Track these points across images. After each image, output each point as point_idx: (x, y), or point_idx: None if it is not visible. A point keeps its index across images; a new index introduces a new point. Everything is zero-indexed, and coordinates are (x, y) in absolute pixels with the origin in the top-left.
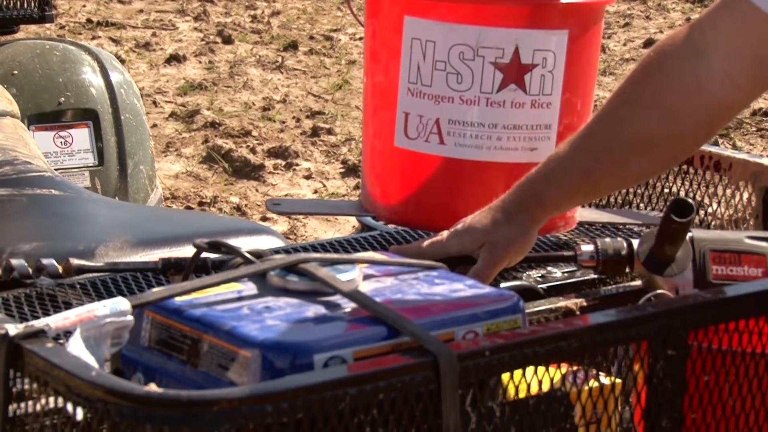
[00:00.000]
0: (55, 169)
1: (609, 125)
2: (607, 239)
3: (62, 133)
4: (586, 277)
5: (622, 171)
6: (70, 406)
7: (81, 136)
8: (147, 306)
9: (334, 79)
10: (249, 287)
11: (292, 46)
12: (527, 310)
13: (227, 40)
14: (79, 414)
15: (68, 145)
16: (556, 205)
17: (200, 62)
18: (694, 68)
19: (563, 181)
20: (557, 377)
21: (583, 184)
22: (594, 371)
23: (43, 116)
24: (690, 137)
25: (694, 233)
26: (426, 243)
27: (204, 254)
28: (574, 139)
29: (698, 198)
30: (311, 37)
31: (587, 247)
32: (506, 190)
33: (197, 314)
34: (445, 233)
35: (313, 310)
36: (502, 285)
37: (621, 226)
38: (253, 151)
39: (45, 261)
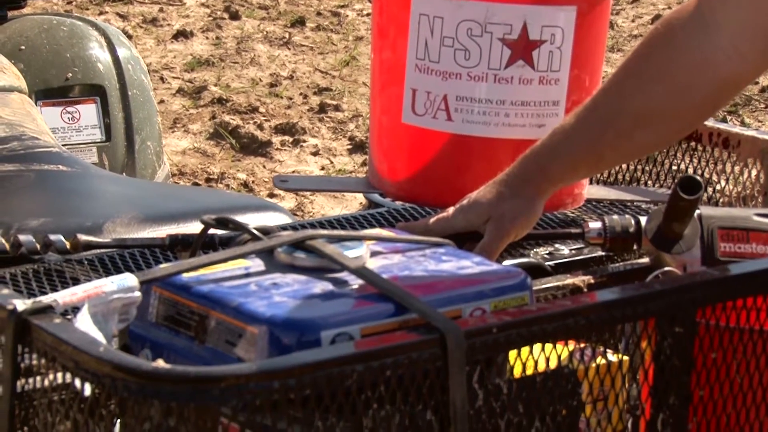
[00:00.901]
0: (63, 145)
1: (614, 98)
2: (615, 216)
3: (69, 109)
4: (593, 255)
5: (626, 144)
6: (78, 382)
7: (88, 112)
8: (154, 282)
9: (341, 56)
10: (256, 264)
11: (300, 22)
12: (534, 288)
13: (234, 16)
14: (87, 389)
15: (75, 120)
16: (561, 177)
17: (207, 38)
18: (701, 42)
19: (567, 153)
20: (564, 354)
21: (587, 156)
22: (601, 348)
23: (51, 92)
24: (695, 111)
25: (702, 210)
26: (432, 219)
27: (211, 231)
28: (579, 111)
29: (706, 175)
30: (318, 13)
31: (595, 225)
32: None
33: (205, 290)
34: (451, 209)
35: (321, 286)
36: (509, 262)
37: (629, 203)
38: (260, 127)
39: (53, 237)
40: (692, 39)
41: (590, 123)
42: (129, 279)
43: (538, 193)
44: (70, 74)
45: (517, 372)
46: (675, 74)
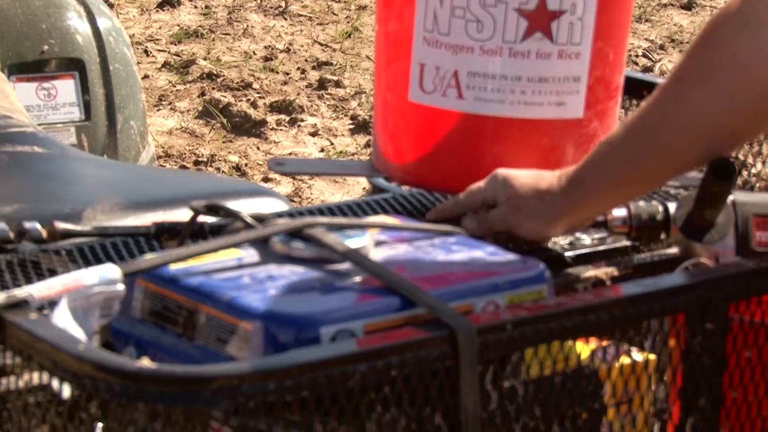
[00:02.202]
0: (38, 124)
1: (659, 105)
2: (641, 203)
3: (45, 85)
4: (617, 245)
5: (671, 155)
6: (56, 383)
7: (66, 88)
8: (139, 274)
9: (342, 27)
10: (250, 254)
11: None
12: (553, 280)
13: None
14: (66, 391)
15: (52, 97)
16: (600, 194)
17: (196, 7)
18: (744, 41)
19: (610, 166)
20: (585, 353)
21: (630, 170)
22: (626, 346)
23: (25, 66)
24: (743, 118)
25: (736, 196)
26: (463, 193)
27: (201, 218)
28: (627, 121)
29: (741, 157)
30: None
31: (619, 212)
32: (529, 149)
33: (194, 283)
34: (483, 181)
35: (320, 279)
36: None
37: (656, 189)
38: (253, 105)
39: (27, 224)
40: (735, 39)
41: (635, 132)
42: (111, 271)
43: (565, 212)
44: (46, 47)
45: (534, 372)
46: (718, 77)
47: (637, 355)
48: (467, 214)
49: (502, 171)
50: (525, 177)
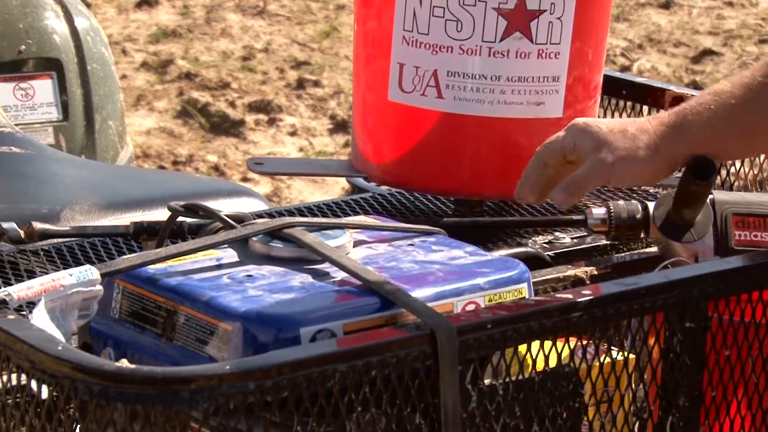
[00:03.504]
0: (16, 125)
1: None
2: (621, 202)
3: (23, 85)
4: (597, 243)
5: None
6: (34, 384)
7: (43, 88)
8: (118, 274)
9: (321, 26)
10: (229, 254)
11: None
12: (533, 280)
13: None
14: (44, 392)
15: (29, 97)
16: (701, 137)
17: (174, 6)
18: None
19: (745, 128)
20: (565, 352)
21: (742, 119)
22: (605, 346)
23: (2, 66)
24: None
25: (716, 195)
26: (539, 148)
27: (180, 218)
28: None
29: None
30: None
31: (599, 211)
32: (509, 149)
33: (173, 283)
34: (560, 132)
35: (299, 279)
36: (505, 252)
37: (636, 188)
38: (232, 105)
39: (5, 225)
40: None
41: (752, 88)
42: (89, 271)
43: (668, 146)
44: (24, 47)
45: (514, 372)
46: None
47: (617, 355)
48: (554, 189)
49: (581, 119)
50: (608, 123)
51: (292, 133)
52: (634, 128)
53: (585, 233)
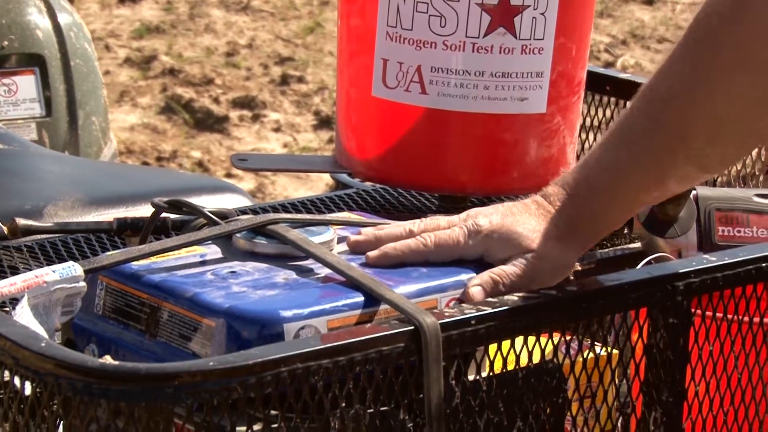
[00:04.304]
0: None
1: (680, 108)
2: None
3: (5, 81)
4: None
5: (704, 161)
6: (17, 380)
7: (26, 84)
8: (101, 271)
9: (305, 22)
10: (213, 251)
11: None
12: None
13: None
14: (28, 389)
15: (12, 93)
16: (620, 221)
17: (157, 2)
18: None
19: (626, 194)
20: (548, 348)
21: (653, 190)
22: (589, 341)
23: None
24: None
25: (699, 191)
26: (432, 239)
27: (163, 214)
28: (636, 136)
29: None
30: None
31: None
32: (493, 144)
33: (156, 280)
34: (457, 230)
35: (283, 275)
36: None
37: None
38: (216, 101)
39: None
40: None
41: (655, 150)
42: (73, 267)
43: (585, 244)
44: (6, 42)
45: (498, 367)
46: (757, 53)
47: (600, 350)
48: (469, 282)
49: (479, 222)
50: (522, 220)
51: (276, 129)
52: (551, 228)
53: None
